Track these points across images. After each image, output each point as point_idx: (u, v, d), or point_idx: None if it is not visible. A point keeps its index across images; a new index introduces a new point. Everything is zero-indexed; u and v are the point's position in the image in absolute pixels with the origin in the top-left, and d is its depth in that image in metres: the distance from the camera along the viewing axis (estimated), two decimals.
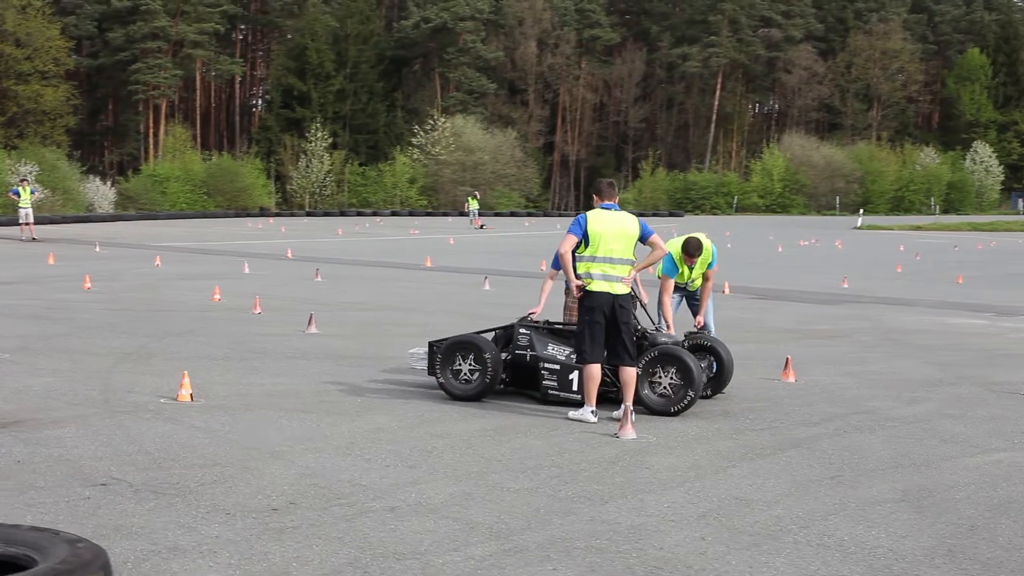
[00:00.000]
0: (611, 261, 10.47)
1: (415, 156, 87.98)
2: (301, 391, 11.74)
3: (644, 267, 10.98)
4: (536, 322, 12.08)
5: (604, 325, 10.63)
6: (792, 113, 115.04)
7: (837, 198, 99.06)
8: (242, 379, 12.32)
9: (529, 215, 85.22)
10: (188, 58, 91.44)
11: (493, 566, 6.35)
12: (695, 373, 11.06)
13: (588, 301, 10.50)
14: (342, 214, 79.03)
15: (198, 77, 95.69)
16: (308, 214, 76.98)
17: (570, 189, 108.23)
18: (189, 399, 11.02)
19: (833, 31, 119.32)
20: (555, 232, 59.51)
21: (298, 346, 15.11)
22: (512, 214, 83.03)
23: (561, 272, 12.47)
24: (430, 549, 6.61)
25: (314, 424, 10.15)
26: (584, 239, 10.51)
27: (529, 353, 11.66)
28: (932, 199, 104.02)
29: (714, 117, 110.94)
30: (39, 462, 8.38)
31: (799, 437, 10.34)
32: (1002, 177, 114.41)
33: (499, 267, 32.21)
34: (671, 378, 11.11)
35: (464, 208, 67.47)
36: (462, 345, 11.58)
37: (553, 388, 11.41)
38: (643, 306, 12.18)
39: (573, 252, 10.72)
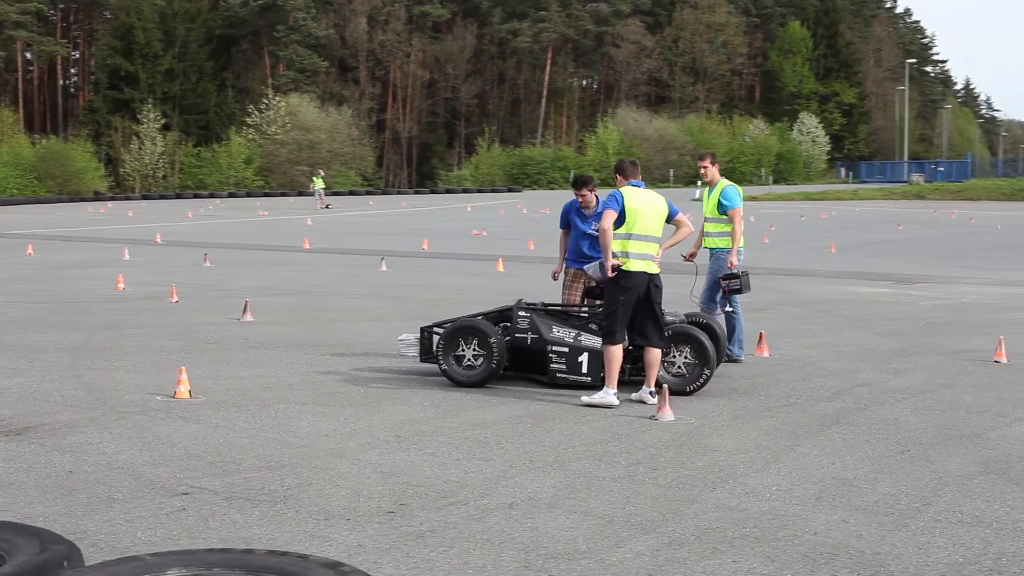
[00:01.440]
0: (647, 239, 10.27)
1: (250, 136, 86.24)
2: (295, 383, 11.24)
3: (671, 246, 10.78)
4: (534, 305, 11.74)
5: (634, 305, 10.33)
6: (622, 87, 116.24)
7: (671, 170, 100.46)
8: (220, 372, 11.73)
9: (368, 193, 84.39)
10: (9, 40, 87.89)
11: (669, 561, 6.05)
12: (710, 351, 10.92)
13: (625, 281, 10.23)
14: (178, 196, 77.18)
15: (19, 59, 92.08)
16: (144, 197, 74.91)
17: (403, 166, 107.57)
18: (188, 396, 10.36)
19: (660, 5, 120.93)
20: (404, 211, 59.13)
21: (247, 335, 14.50)
22: (351, 193, 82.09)
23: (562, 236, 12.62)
24: (592, 547, 6.27)
25: (339, 418, 9.69)
26: (622, 216, 10.22)
27: (530, 336, 11.33)
28: (763, 169, 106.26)
29: (545, 92, 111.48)
30: (91, 471, 7.76)
31: (828, 412, 10.25)
32: (828, 147, 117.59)
33: (378, 247, 31.68)
34: (685, 357, 10.92)
35: (310, 187, 66.28)
36: (465, 330, 11.20)
37: (562, 371, 11.12)
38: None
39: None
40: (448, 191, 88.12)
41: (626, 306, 10.27)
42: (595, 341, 11.10)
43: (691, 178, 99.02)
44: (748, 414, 10.13)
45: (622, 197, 10.30)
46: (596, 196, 12.63)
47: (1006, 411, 10.42)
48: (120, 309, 17.16)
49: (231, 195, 77.74)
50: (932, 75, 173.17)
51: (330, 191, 75.34)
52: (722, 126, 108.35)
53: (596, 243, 12.46)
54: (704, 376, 10.87)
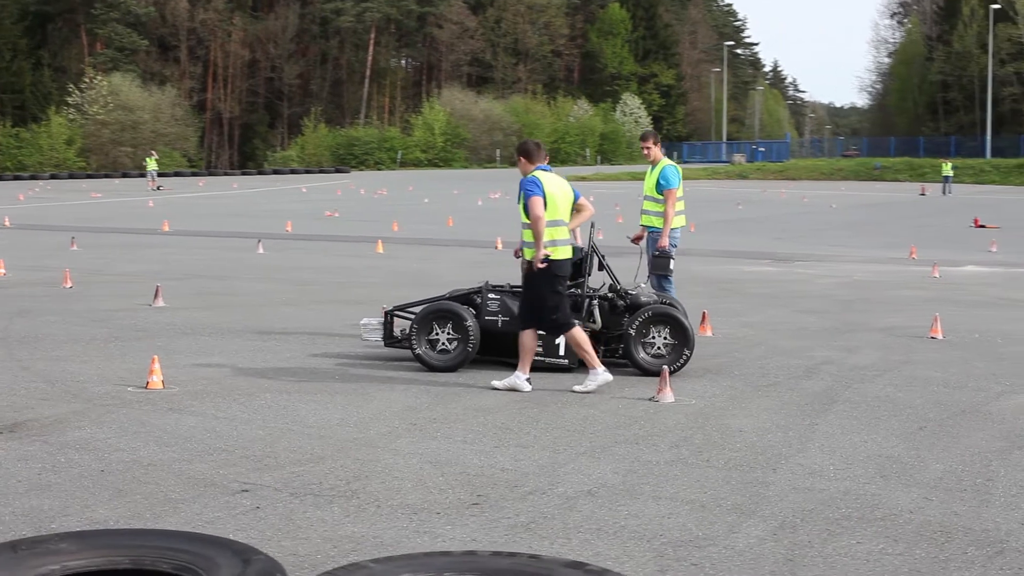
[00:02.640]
0: (563, 224, 10.01)
1: (71, 116, 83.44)
2: (263, 371, 10.88)
3: (572, 229, 10.50)
4: (501, 287, 11.54)
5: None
6: (445, 67, 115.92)
7: (498, 151, 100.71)
8: (175, 361, 11.20)
9: (195, 175, 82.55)
10: None
11: (796, 544, 5.99)
12: (690, 332, 10.86)
13: (556, 269, 9.94)
14: None
15: None
16: None
17: (224, 147, 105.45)
18: (162, 386, 9.90)
19: None
20: (238, 192, 57.96)
21: (172, 322, 13.98)
22: (176, 174, 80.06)
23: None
24: (708, 533, 6.15)
25: (335, 406, 9.37)
26: (543, 202, 9.85)
27: (501, 319, 11.12)
28: (587, 150, 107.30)
29: (368, 72, 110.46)
30: (122, 470, 7.32)
31: (817, 391, 10.34)
32: (651, 127, 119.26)
33: (240, 230, 31.08)
34: (665, 338, 10.84)
35: (144, 168, 64.43)
36: (439, 313, 10.94)
37: (539, 354, 10.91)
38: (606, 265, 11.79)
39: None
40: (275, 172, 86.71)
41: (562, 295, 10.06)
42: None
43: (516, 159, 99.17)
44: (742, 394, 10.11)
45: (541, 183, 9.91)
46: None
47: (983, 385, 10.62)
48: (15, 296, 16.35)
49: (53, 176, 75.07)
50: (743, 57, 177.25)
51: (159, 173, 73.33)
52: (546, 107, 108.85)
53: None
54: (684, 356, 10.82)
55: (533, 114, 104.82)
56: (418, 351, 10.93)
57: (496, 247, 25.84)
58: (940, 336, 13.45)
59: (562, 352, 10.91)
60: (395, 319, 11.59)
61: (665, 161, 13.43)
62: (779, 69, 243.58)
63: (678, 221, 13.46)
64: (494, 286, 11.50)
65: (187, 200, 49.26)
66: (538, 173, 10.00)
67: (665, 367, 10.08)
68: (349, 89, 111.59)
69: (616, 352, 11.23)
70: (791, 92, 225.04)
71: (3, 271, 19.31)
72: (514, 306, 11.11)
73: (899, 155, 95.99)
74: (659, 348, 10.86)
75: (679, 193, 13.32)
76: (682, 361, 10.82)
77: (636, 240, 13.55)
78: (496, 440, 8.21)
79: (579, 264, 11.48)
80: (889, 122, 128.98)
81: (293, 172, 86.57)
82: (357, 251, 25.16)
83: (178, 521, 6.17)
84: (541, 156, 10.15)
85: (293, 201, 48.71)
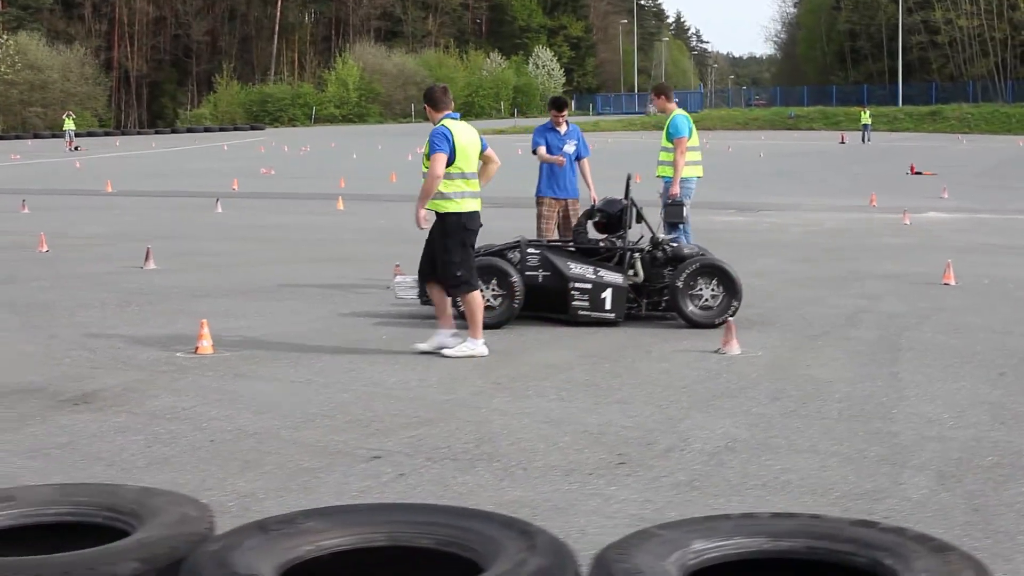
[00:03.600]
0: (475, 177, 9.40)
1: None
2: (305, 332, 10.57)
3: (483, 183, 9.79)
4: (539, 241, 11.35)
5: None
6: (354, 22, 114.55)
7: (412, 105, 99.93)
8: (199, 325, 10.72)
9: (108, 135, 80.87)
10: None
11: (971, 494, 5.91)
12: (738, 282, 10.75)
13: (468, 223, 9.36)
14: None
15: None
16: None
17: (133, 106, 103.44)
18: (212, 351, 9.57)
19: None
20: (156, 151, 56.90)
21: (176, 284, 13.63)
22: (89, 134, 78.34)
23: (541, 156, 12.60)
24: (881, 486, 6.07)
25: (404, 366, 9.12)
26: (451, 155, 9.14)
27: (542, 274, 10.91)
28: (501, 103, 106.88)
29: (277, 28, 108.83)
30: (231, 439, 7.04)
31: (871, 339, 10.34)
32: (564, 80, 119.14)
33: (183, 188, 30.57)
34: (712, 289, 10.72)
35: (61, 128, 62.89)
36: (483, 269, 10.68)
37: (584, 308, 10.77)
38: (642, 217, 11.64)
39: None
40: (189, 130, 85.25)
41: (472, 249, 9.53)
42: (616, 276, 10.80)
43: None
44: (802, 345, 10.06)
45: (451, 134, 9.15)
46: (567, 121, 12.86)
47: None
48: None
49: None
50: (647, 8, 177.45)
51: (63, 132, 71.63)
52: (459, 61, 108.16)
53: (575, 166, 12.72)
54: (733, 307, 10.70)
55: (446, 68, 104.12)
56: (462, 308, 10.65)
57: None
58: (954, 282, 13.41)
59: (608, 306, 10.73)
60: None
61: (676, 111, 13.33)
62: (682, 20, 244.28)
63: (694, 171, 13.45)
64: (530, 240, 11.27)
65: (111, 160, 48.18)
66: (448, 123, 9.27)
67: (731, 319, 9.92)
68: (259, 45, 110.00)
69: (659, 305, 11.07)
70: (694, 43, 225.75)
71: None
72: (556, 260, 10.90)
73: (811, 104, 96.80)
74: (707, 300, 10.75)
75: (693, 142, 13.22)
76: (730, 312, 10.71)
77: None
78: (592, 397, 8.03)
79: (619, 216, 11.32)
80: (797, 71, 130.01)
81: (207, 130, 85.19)
82: (317, 208, 24.76)
83: (329, 492, 5.93)
84: (448, 103, 9.44)
85: (221, 159, 47.90)
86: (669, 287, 10.81)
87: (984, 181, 33.52)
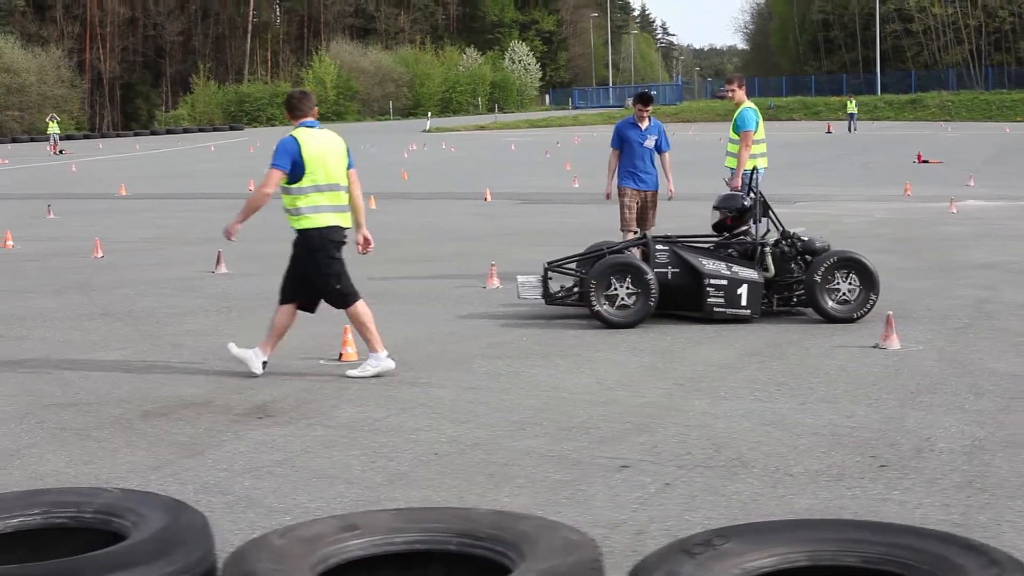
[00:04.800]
0: (336, 188, 8.59)
1: None
2: (441, 336, 10.34)
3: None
4: (667, 237, 11.07)
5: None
6: (327, 19, 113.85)
7: (390, 103, 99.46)
8: (325, 331, 10.37)
9: (86, 137, 79.97)
10: None
11: None
12: (876, 276, 10.48)
13: (331, 234, 8.61)
14: None
15: None
16: None
17: (107, 108, 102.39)
18: (355, 357, 9.21)
19: None
20: (143, 154, 56.34)
21: (261, 289, 13.21)
22: (68, 137, 77.31)
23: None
24: None
25: (565, 371, 8.82)
26: (299, 168, 8.43)
27: (671, 271, 10.62)
28: (479, 99, 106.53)
29: (250, 27, 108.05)
30: (455, 451, 6.75)
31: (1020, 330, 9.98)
32: (540, 74, 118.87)
33: (197, 191, 30.16)
34: (850, 283, 10.44)
35: (46, 132, 62.05)
36: (618, 267, 10.38)
37: (720, 305, 10.48)
38: (772, 211, 11.36)
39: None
40: (168, 132, 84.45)
41: (341, 263, 8.77)
42: (750, 272, 10.52)
43: (409, 110, 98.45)
44: (957, 337, 9.86)
45: (297, 146, 8.42)
46: (650, 115, 13.03)
47: None
48: (53, 268, 15.46)
49: None
50: (615, 2, 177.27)
51: (42, 136, 70.78)
52: (435, 57, 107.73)
53: (655, 159, 12.86)
54: (871, 301, 10.42)
55: (423, 64, 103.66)
56: (596, 307, 10.37)
57: (486, 198, 25.30)
58: None
59: (744, 302, 10.44)
60: (550, 276, 11.02)
61: (745, 103, 13.29)
62: (647, 13, 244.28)
63: (761, 162, 13.25)
64: (656, 237, 11.00)
65: (102, 163, 47.52)
66: (301, 132, 8.55)
67: (890, 313, 9.65)
68: (232, 44, 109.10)
69: (790, 300, 10.80)
70: (660, 35, 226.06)
71: (11, 243, 18.15)
72: (688, 256, 10.62)
73: (789, 94, 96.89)
74: (844, 294, 10.46)
75: (759, 135, 13.20)
76: (868, 306, 10.46)
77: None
78: (791, 398, 7.79)
79: (743, 210, 11.09)
80: (769, 62, 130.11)
81: (187, 131, 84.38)
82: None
83: (607, 506, 5.64)
84: (307, 110, 8.67)
85: (216, 160, 47.32)
86: (805, 282, 10.52)
87: (997, 168, 33.42)
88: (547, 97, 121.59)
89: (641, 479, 6.00)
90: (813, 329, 10.12)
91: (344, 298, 8.67)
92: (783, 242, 10.92)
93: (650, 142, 13.03)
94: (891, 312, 9.57)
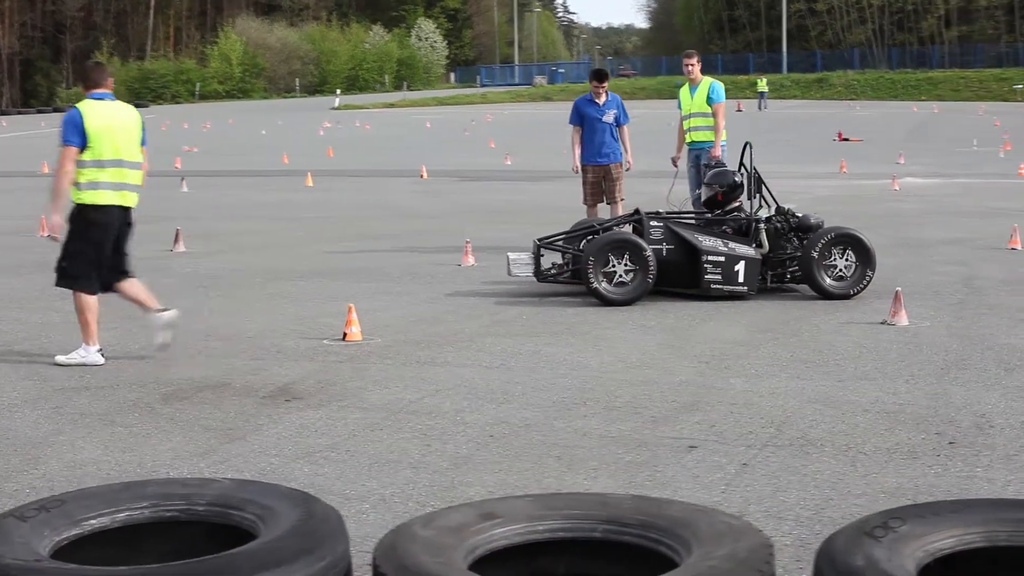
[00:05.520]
0: (121, 164, 8.15)
1: None
2: (436, 315, 10.12)
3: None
4: (658, 213, 10.97)
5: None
6: None
7: (296, 80, 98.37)
8: (313, 310, 10.40)
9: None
10: None
11: None
12: (872, 251, 10.46)
13: (96, 216, 8.15)
14: None
15: None
16: None
17: (5, 85, 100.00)
18: (360, 337, 8.99)
19: None
20: (51, 131, 54.94)
21: (234, 268, 12.96)
22: None
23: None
24: None
25: (592, 349, 8.66)
26: (83, 140, 7.99)
27: (666, 247, 10.51)
28: (386, 76, 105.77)
29: (152, 2, 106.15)
30: (510, 433, 6.53)
31: (1020, 305, 10.05)
32: (446, 52, 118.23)
33: None
34: (846, 259, 10.42)
35: None
36: (616, 244, 10.26)
37: (717, 282, 10.39)
38: (766, 187, 11.32)
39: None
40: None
41: (98, 247, 8.22)
42: (747, 249, 10.45)
43: (315, 88, 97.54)
44: (958, 312, 9.92)
45: (81, 117, 7.97)
46: (606, 90, 13.12)
47: None
48: (3, 247, 14.89)
49: None
50: None
51: None
52: (341, 34, 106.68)
53: (615, 132, 12.88)
54: (868, 278, 10.41)
55: (329, 41, 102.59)
56: (594, 284, 10.22)
57: (422, 175, 25.11)
58: (1020, 247, 13.32)
59: (741, 279, 10.36)
60: (541, 253, 10.88)
61: (709, 79, 13.52)
62: None
63: (725, 135, 13.52)
64: (649, 213, 10.89)
65: (13, 140, 46.37)
66: (85, 104, 8.12)
67: (899, 289, 9.62)
68: (134, 20, 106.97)
69: (784, 277, 10.74)
70: (561, 13, 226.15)
71: None
72: (683, 233, 10.52)
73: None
74: (840, 270, 10.41)
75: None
76: (865, 282, 10.43)
77: (675, 161, 13.67)
78: (826, 376, 7.74)
79: (735, 186, 11.03)
80: (673, 41, 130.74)
81: None
82: (287, 186, 23.98)
83: (690, 488, 5.50)
84: (99, 80, 8.23)
85: None
86: (802, 258, 10.46)
87: (919, 146, 33.87)
88: (452, 75, 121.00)
89: (716, 459, 5.86)
90: (812, 305, 10.10)
91: (66, 279, 8.24)
92: (777, 218, 10.82)
93: (609, 116, 13.18)
94: (899, 288, 9.50)
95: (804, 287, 10.61)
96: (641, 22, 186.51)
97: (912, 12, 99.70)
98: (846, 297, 10.30)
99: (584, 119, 13.30)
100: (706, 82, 13.57)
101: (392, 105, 79.31)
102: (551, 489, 5.39)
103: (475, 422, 6.65)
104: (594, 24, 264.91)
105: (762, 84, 65.73)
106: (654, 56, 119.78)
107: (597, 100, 13.28)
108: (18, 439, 6.51)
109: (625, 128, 13.37)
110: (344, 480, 5.60)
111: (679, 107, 13.79)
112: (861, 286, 10.40)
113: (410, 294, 10.96)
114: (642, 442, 6.19)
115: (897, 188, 20.93)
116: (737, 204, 11.11)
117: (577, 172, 13.51)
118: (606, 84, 13.30)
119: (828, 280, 10.37)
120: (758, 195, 11.20)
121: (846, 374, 7.65)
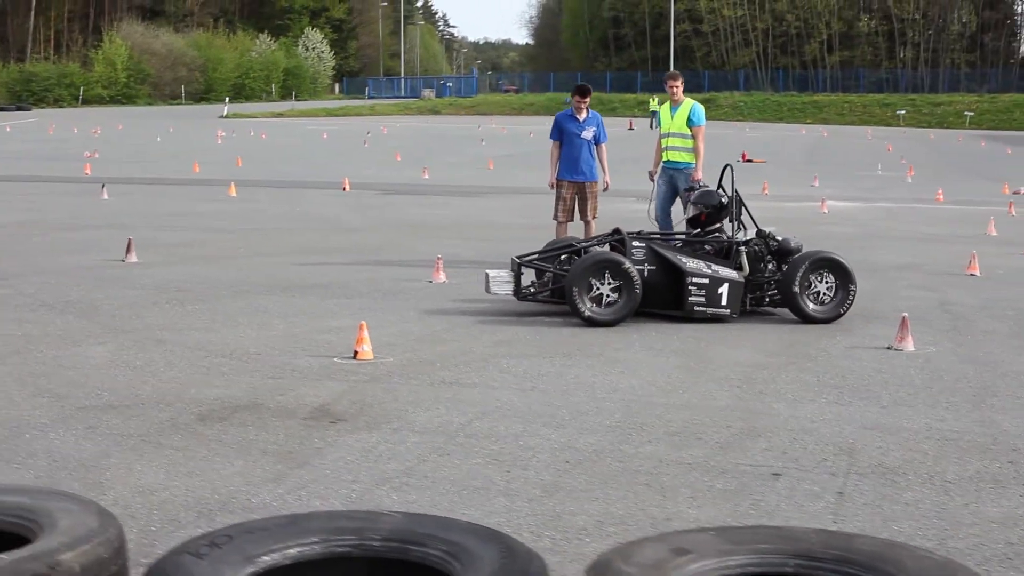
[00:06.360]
0: None
1: None
2: (432, 334, 9.97)
3: None
4: (640, 233, 10.97)
5: None
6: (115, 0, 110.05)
7: (182, 87, 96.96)
8: (300, 326, 10.18)
9: None
10: None
11: None
12: (853, 275, 10.55)
13: None
14: None
15: None
16: None
17: None
18: (371, 356, 8.84)
19: None
20: None
21: (199, 279, 12.68)
22: None
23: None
24: None
25: (613, 371, 8.59)
26: None
27: (647, 268, 10.49)
28: (272, 86, 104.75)
29: (33, 3, 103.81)
30: (583, 460, 6.43)
31: (1006, 331, 10.30)
32: (334, 63, 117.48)
33: (34, 173, 28.61)
34: (827, 284, 10.49)
35: None
36: (595, 265, 10.18)
37: (701, 304, 10.39)
38: (747, 209, 11.38)
39: None
40: None
41: None
42: (730, 272, 10.48)
43: (201, 95, 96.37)
44: (955, 339, 10.03)
45: None
46: (587, 107, 13.24)
47: None
48: None
49: None
50: None
51: None
52: (227, 42, 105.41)
53: (593, 151, 13.00)
54: (849, 302, 10.49)
55: (216, 49, 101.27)
56: (581, 308, 10.13)
57: (344, 188, 24.89)
58: (978, 273, 13.58)
59: (724, 302, 10.38)
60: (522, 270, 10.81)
61: (691, 100, 13.60)
62: (430, 5, 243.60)
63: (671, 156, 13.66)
64: (631, 233, 10.88)
65: None
66: None
67: (905, 315, 9.69)
68: (14, 21, 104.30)
69: (763, 301, 10.78)
70: (442, 27, 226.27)
71: None
72: (667, 253, 10.50)
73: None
74: (822, 295, 10.47)
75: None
76: (846, 306, 10.52)
77: (652, 177, 13.78)
78: (858, 398, 7.80)
79: (720, 207, 11.07)
80: (559, 58, 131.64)
81: None
82: (210, 195, 23.52)
83: (800, 519, 5.46)
84: None
85: (12, 141, 45.18)
86: (783, 283, 10.49)
87: (823, 169, 34.32)
88: (337, 86, 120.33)
89: (807, 488, 5.83)
90: (805, 329, 10.19)
91: None
92: (756, 241, 10.84)
93: (588, 134, 13.26)
94: (906, 314, 9.58)
95: (783, 310, 10.60)
96: (520, 37, 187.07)
97: (795, 36, 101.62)
98: (827, 321, 10.34)
99: (563, 134, 13.32)
100: (688, 104, 13.68)
101: (281, 115, 78.64)
102: (666, 518, 5.30)
103: (540, 447, 6.53)
104: (472, 38, 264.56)
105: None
106: (542, 72, 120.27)
107: (578, 116, 13.33)
108: (67, 461, 6.24)
109: (603, 147, 13.46)
110: (440, 508, 5.45)
111: (659, 125, 13.83)
112: (842, 310, 10.47)
113: (393, 311, 10.78)
114: (722, 469, 6.12)
115: (826, 211, 21.18)
116: (718, 225, 11.11)
117: (552, 187, 13.39)
118: (588, 100, 13.31)
119: (810, 305, 10.39)
120: (739, 217, 11.19)
121: (884, 400, 7.68)
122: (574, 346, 9.37)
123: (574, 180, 13.36)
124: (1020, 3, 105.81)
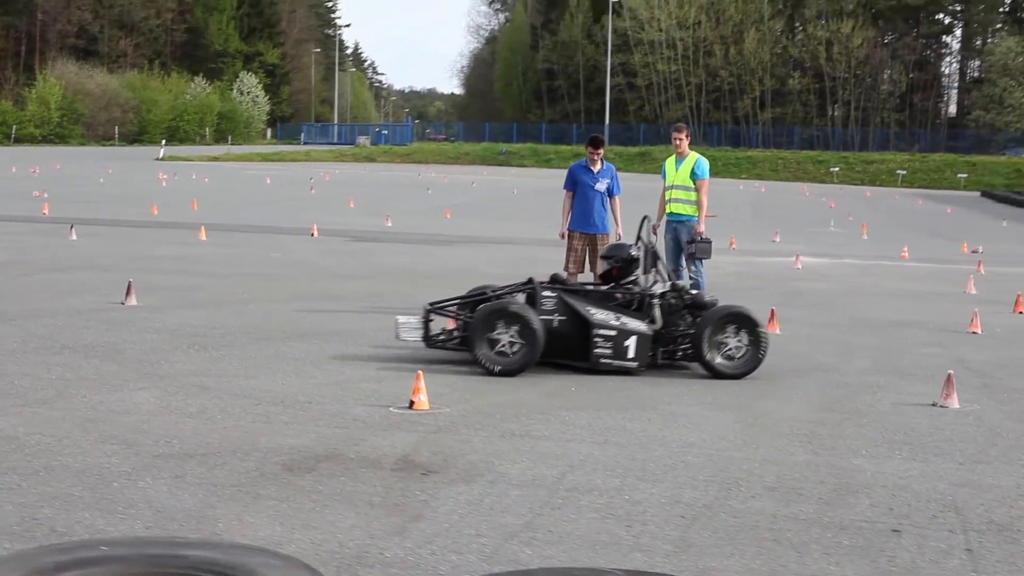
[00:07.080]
0: None
1: None
2: (470, 385, 9.92)
3: None
4: (554, 284, 10.94)
5: None
6: (50, 38, 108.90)
7: (116, 128, 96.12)
8: (314, 374, 10.10)
9: None
10: None
11: None
12: (764, 331, 10.57)
13: None
14: None
15: None
16: None
17: None
18: (427, 406, 8.79)
19: None
20: None
21: (211, 324, 12.51)
22: None
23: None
24: None
25: (647, 419, 8.67)
26: None
27: (557, 318, 10.48)
28: (206, 129, 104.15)
29: None
30: (700, 516, 6.41)
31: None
32: (268, 107, 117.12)
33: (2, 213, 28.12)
34: (738, 339, 10.51)
35: None
36: (503, 313, 10.18)
37: (607, 356, 10.35)
38: (659, 262, 11.49)
39: None
40: None
41: None
42: (639, 324, 10.50)
43: (134, 136, 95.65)
44: (994, 395, 10.21)
45: None
46: (601, 158, 13.30)
47: None
48: None
49: None
50: (332, 38, 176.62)
51: None
52: (163, 83, 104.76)
53: (606, 202, 13.00)
54: (759, 357, 10.47)
55: (150, 90, 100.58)
56: (478, 353, 10.14)
57: (313, 234, 24.71)
58: (979, 331, 13.77)
59: (631, 355, 10.39)
60: (430, 318, 10.80)
61: (696, 154, 13.85)
62: (360, 52, 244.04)
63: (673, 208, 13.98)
64: (543, 283, 10.90)
65: None
66: None
67: (951, 372, 9.80)
68: None
69: (675, 354, 10.79)
70: (371, 75, 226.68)
71: None
72: (576, 304, 10.51)
73: (518, 141, 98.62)
74: (730, 350, 10.47)
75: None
76: (758, 360, 10.49)
77: (655, 230, 13.66)
78: (929, 455, 7.89)
79: (631, 260, 11.12)
80: (491, 108, 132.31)
81: None
82: (180, 238, 23.23)
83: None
84: None
85: None
86: (694, 336, 10.50)
87: (774, 225, 34.57)
88: (269, 131, 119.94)
89: (933, 544, 5.89)
90: (841, 385, 10.37)
91: None
92: (671, 294, 10.88)
93: (601, 185, 13.31)
94: (951, 371, 9.69)
95: (694, 364, 10.68)
96: (448, 87, 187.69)
97: (728, 92, 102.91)
98: (736, 377, 10.32)
99: (577, 185, 13.36)
100: (692, 157, 13.86)
101: (216, 159, 78.11)
102: (812, 575, 5.28)
103: (647, 501, 6.52)
104: (398, 86, 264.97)
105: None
106: (476, 122, 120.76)
107: (592, 167, 13.38)
108: (171, 512, 6.12)
109: (617, 199, 13.51)
110: (579, 562, 5.40)
111: (663, 177, 13.91)
112: (751, 365, 10.45)
113: (420, 361, 10.66)
114: (841, 525, 6.16)
115: (800, 267, 21.37)
116: (632, 278, 11.16)
117: (563, 238, 13.33)
118: (602, 151, 13.34)
119: (718, 359, 10.41)
120: (653, 270, 11.26)
121: (958, 457, 7.76)
122: (622, 399, 9.38)
123: (586, 232, 13.38)
124: (947, 65, 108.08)
